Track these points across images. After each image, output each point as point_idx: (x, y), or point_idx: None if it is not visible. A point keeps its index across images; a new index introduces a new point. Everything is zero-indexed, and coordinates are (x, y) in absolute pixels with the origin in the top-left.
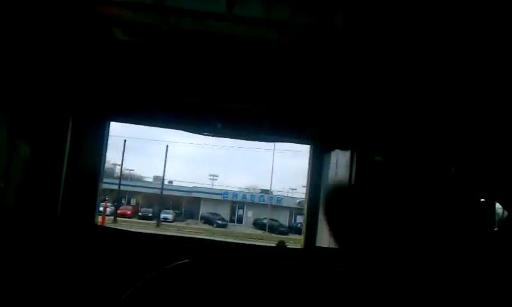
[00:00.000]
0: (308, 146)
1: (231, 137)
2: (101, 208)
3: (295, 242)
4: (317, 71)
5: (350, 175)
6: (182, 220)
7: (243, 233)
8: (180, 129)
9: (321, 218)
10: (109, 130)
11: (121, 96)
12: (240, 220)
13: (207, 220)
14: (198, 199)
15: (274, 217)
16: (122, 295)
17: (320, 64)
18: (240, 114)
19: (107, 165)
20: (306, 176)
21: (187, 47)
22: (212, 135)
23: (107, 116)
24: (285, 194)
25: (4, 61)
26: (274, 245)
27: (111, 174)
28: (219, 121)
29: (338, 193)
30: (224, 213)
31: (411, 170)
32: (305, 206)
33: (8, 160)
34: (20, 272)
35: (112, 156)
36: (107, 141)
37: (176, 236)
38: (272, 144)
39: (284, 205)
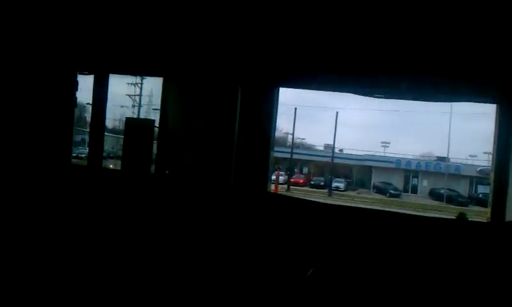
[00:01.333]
0: (494, 105)
1: (405, 99)
2: (273, 177)
3: (477, 214)
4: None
5: None
6: (354, 189)
7: (418, 203)
8: (350, 92)
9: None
10: (278, 97)
11: (288, 61)
12: (414, 190)
13: (379, 190)
14: (370, 168)
15: (451, 187)
16: (298, 266)
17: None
18: (415, 72)
19: (279, 134)
20: (492, 140)
21: None
22: (384, 98)
23: (276, 83)
24: (464, 162)
25: (173, 34)
26: (453, 217)
27: (283, 143)
28: (391, 81)
29: None
30: (398, 182)
31: None
32: (491, 175)
33: (182, 133)
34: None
35: (283, 125)
36: (277, 109)
37: (348, 207)
38: (449, 106)
39: (463, 174)
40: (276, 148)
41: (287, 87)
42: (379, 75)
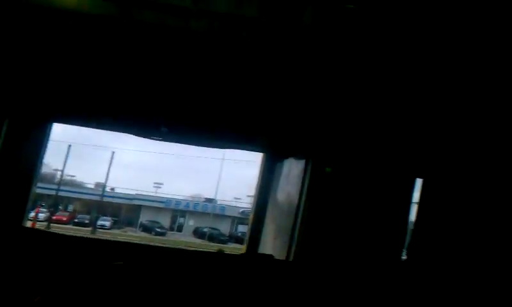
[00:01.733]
0: (260, 154)
1: (180, 143)
2: (33, 214)
3: (233, 250)
4: (274, 75)
5: (302, 186)
6: (120, 228)
7: (182, 241)
8: (127, 132)
9: (267, 228)
10: (49, 133)
11: (63, 96)
12: (180, 229)
13: (145, 228)
14: (139, 207)
15: (215, 226)
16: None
17: (278, 68)
18: (190, 119)
19: (48, 170)
20: (256, 185)
21: (139, 42)
22: (161, 140)
23: (48, 118)
24: (229, 203)
25: None
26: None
27: (51, 180)
28: (168, 125)
29: (287, 204)
30: (165, 221)
31: (370, 181)
32: (251, 216)
33: None
34: None
35: (55, 161)
36: (47, 144)
37: (109, 241)
38: (221, 153)
39: (227, 214)
40: (42, 184)
41: (61, 123)
42: (157, 119)
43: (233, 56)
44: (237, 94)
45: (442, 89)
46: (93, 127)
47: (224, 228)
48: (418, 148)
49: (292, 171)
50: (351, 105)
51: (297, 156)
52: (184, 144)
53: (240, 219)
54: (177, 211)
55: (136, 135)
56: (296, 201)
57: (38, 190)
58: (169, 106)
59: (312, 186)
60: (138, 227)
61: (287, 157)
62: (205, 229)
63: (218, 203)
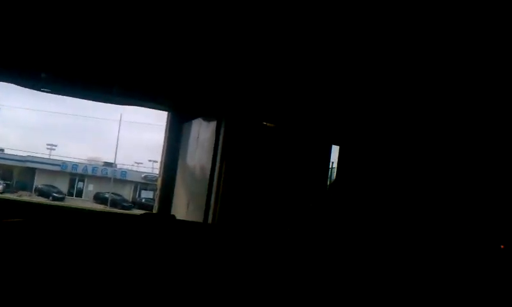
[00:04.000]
0: (166, 113)
1: (75, 96)
2: None
3: None
4: (184, 21)
5: (216, 148)
6: (14, 192)
7: (82, 207)
8: (13, 83)
9: (178, 194)
10: None
11: None
12: (79, 194)
13: (42, 193)
14: (33, 170)
15: (117, 192)
16: None
17: (185, 15)
18: (87, 66)
19: None
20: (162, 147)
21: None
22: (52, 93)
23: None
24: (130, 168)
25: None
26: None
27: None
28: (60, 73)
29: (200, 167)
30: (63, 186)
31: (288, 143)
32: (159, 181)
33: None
34: None
35: None
36: None
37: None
38: (119, 114)
39: (128, 179)
40: None
41: None
42: (47, 69)
43: None
44: (142, 41)
45: None
46: None
47: (127, 193)
48: (336, 115)
49: (204, 131)
50: (266, 57)
51: (209, 115)
52: (80, 98)
53: (143, 185)
54: (75, 175)
55: (23, 85)
56: (209, 164)
57: None
58: (59, 50)
59: (226, 148)
60: (33, 191)
61: (196, 117)
62: (107, 195)
63: (118, 167)
